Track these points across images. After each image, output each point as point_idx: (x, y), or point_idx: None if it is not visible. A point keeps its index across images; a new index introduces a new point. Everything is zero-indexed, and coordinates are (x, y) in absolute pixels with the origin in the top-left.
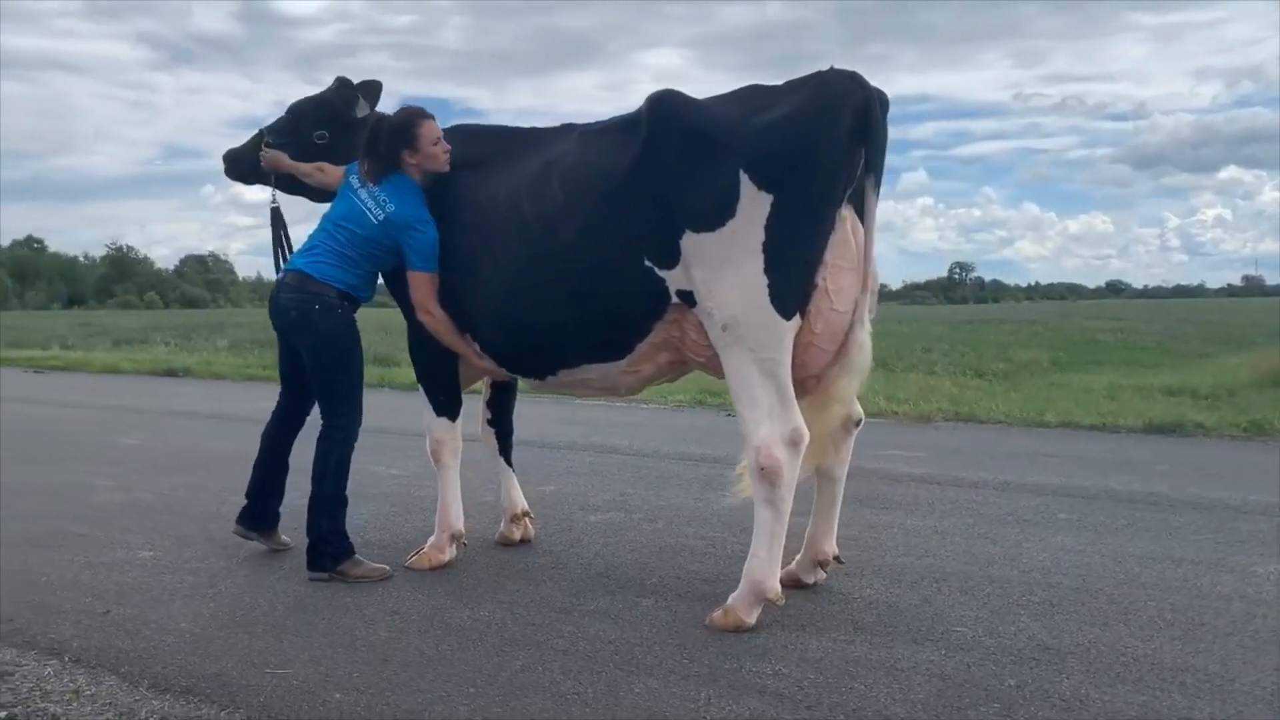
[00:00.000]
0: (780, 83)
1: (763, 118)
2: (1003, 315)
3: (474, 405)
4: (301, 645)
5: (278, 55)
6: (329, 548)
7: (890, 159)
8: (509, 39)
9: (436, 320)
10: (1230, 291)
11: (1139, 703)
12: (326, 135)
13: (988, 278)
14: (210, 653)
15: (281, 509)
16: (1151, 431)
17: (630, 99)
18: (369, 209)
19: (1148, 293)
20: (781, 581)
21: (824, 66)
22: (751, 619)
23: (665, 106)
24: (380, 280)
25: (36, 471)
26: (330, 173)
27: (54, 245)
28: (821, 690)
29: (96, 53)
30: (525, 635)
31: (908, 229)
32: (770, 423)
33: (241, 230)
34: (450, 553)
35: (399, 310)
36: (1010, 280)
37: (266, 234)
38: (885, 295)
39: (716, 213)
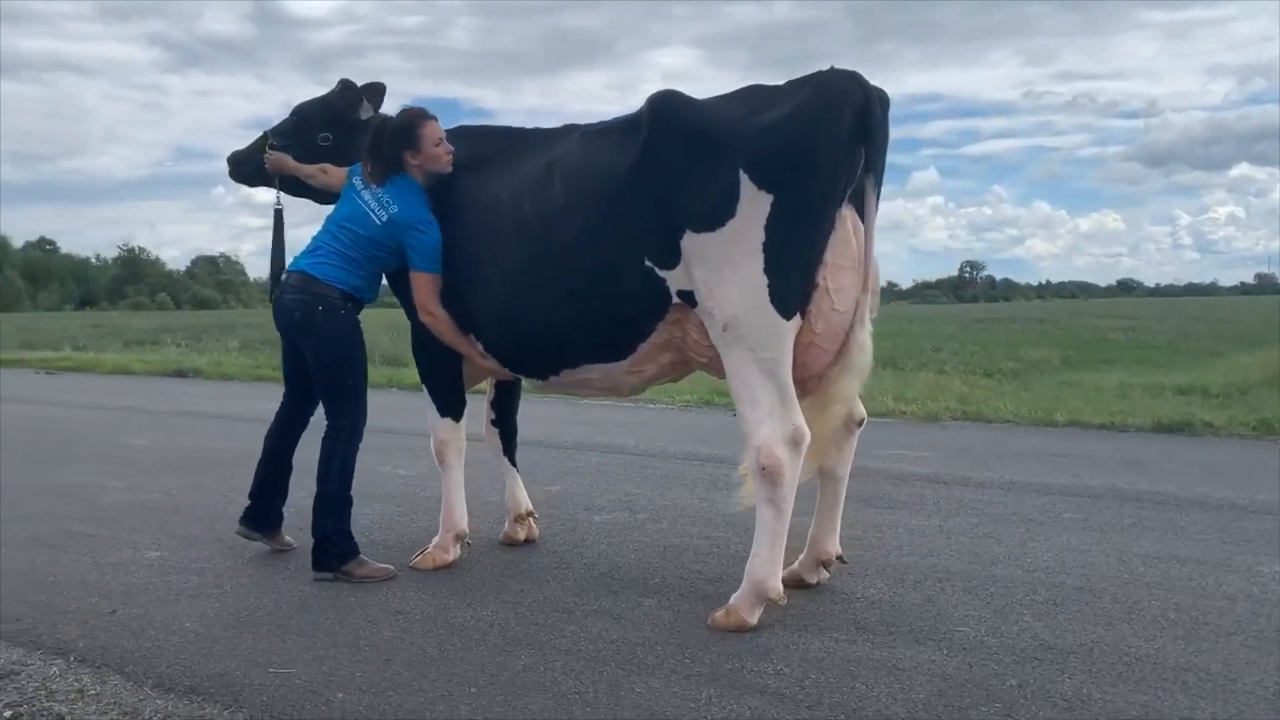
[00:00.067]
0: (782, 82)
1: (763, 118)
2: (1013, 314)
3: (478, 405)
4: (305, 645)
5: (287, 57)
6: (334, 547)
7: (900, 157)
8: (517, 39)
9: (438, 320)
10: (1243, 289)
11: (1141, 702)
12: (330, 137)
13: (998, 276)
14: (214, 652)
15: (287, 509)
16: (1160, 431)
17: (638, 99)
18: (372, 210)
19: (1159, 291)
20: (785, 581)
21: (833, 65)
22: (753, 619)
23: (665, 107)
24: (384, 281)
25: (45, 472)
26: (334, 174)
27: (66, 247)
28: (822, 690)
29: (107, 55)
30: (528, 635)
31: (918, 228)
32: (771, 422)
33: (252, 231)
34: (455, 553)
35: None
36: (1021, 279)
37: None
38: (895, 294)
39: (716, 213)
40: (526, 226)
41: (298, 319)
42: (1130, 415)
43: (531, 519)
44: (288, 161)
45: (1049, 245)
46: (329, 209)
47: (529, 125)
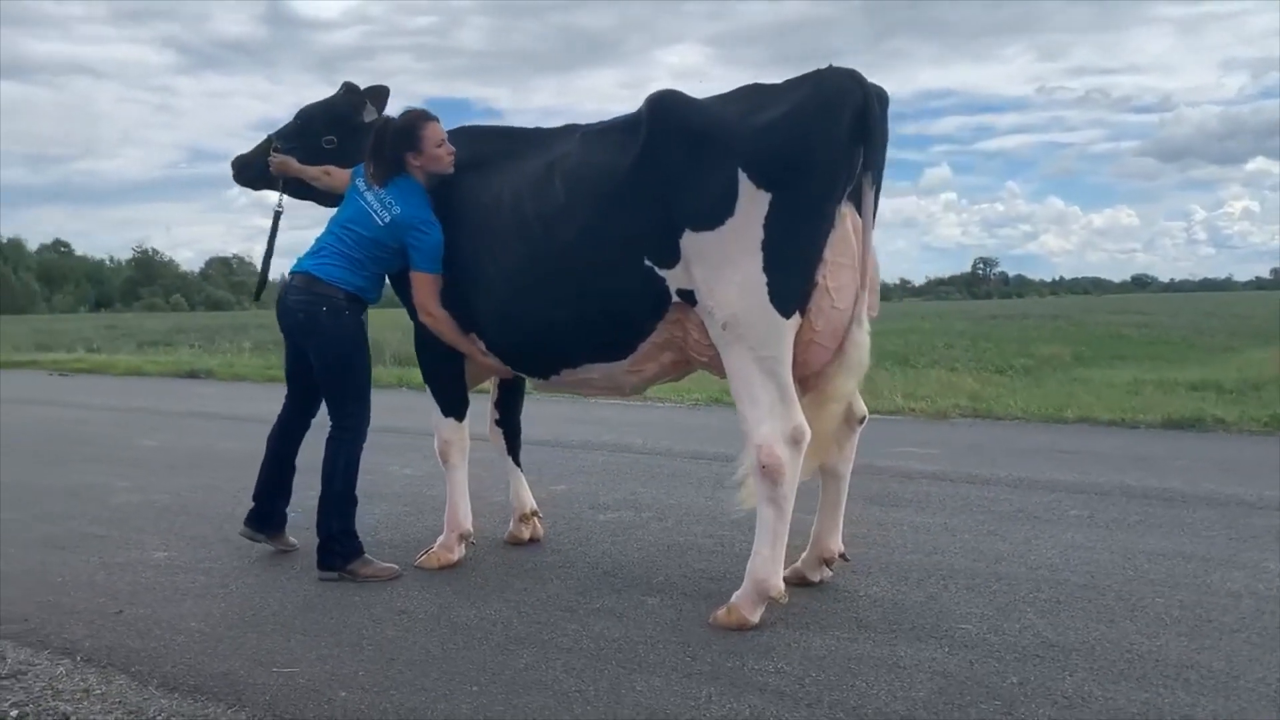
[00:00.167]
0: (780, 81)
1: (761, 117)
2: (1026, 310)
3: (482, 405)
4: (309, 644)
5: (299, 58)
6: (339, 547)
7: (913, 154)
8: (529, 38)
9: (438, 320)
10: (1259, 284)
11: (1141, 700)
12: (334, 140)
13: (1012, 272)
14: (219, 652)
15: (294, 509)
16: (1171, 427)
17: None
18: (375, 211)
19: (1174, 286)
20: (787, 579)
21: (844, 62)
22: (755, 617)
23: (664, 106)
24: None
25: (56, 473)
26: (337, 176)
27: (80, 248)
28: (822, 688)
29: (120, 57)
30: (530, 633)
31: (931, 224)
32: (771, 421)
33: (265, 233)
34: (459, 552)
35: None
36: (1034, 275)
37: (290, 237)
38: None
39: (715, 212)
40: (527, 226)
41: (301, 320)
42: (1141, 412)
43: (536, 518)
44: (292, 164)
45: (1063, 241)
46: (331, 211)
47: (542, 125)
